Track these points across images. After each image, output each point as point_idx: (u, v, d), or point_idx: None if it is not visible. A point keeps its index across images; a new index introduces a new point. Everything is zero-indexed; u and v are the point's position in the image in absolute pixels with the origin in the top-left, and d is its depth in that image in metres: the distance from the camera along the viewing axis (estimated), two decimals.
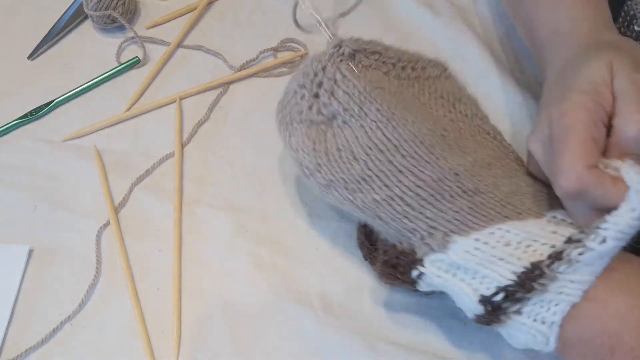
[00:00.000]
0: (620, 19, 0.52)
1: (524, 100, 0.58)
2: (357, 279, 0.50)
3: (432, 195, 0.40)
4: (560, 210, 0.40)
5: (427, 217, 0.40)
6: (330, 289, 0.49)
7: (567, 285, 0.37)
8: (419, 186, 0.40)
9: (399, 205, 0.41)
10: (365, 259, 0.49)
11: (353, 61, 0.45)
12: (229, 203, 0.54)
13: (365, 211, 0.43)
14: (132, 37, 0.64)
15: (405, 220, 0.41)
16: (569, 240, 0.37)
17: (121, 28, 0.65)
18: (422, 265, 0.41)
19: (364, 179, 0.42)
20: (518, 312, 0.38)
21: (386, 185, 0.41)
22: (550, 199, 0.41)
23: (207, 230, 0.53)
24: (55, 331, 0.48)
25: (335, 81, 0.44)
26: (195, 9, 0.66)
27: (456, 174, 0.40)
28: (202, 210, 0.54)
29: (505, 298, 0.38)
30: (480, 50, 0.61)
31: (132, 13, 0.65)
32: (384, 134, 0.41)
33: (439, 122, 0.44)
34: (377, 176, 0.41)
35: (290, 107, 0.46)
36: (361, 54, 0.45)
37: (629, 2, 0.50)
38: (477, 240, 0.39)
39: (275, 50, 0.63)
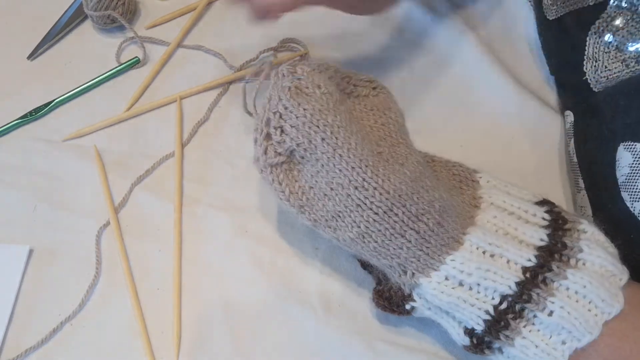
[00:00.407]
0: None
1: (524, 101, 0.58)
2: (357, 279, 0.50)
3: (387, 229, 0.40)
4: (473, 234, 0.40)
5: (393, 255, 0.41)
6: (330, 289, 0.49)
7: (530, 348, 0.38)
8: (375, 220, 0.40)
9: (370, 243, 0.41)
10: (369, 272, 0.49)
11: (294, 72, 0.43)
12: (229, 203, 0.54)
13: (350, 249, 0.43)
14: (132, 37, 0.64)
15: (380, 258, 0.42)
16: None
17: (121, 28, 0.65)
18: (413, 300, 0.42)
19: (338, 216, 0.42)
20: (500, 350, 0.40)
21: (354, 222, 0.41)
22: (460, 211, 0.42)
23: (207, 230, 0.53)
24: (55, 331, 0.48)
25: (281, 115, 0.42)
26: (195, 9, 0.66)
27: (399, 196, 0.40)
28: (202, 210, 0.54)
29: (484, 333, 0.40)
30: (480, 50, 0.61)
31: (132, 13, 0.65)
32: (335, 167, 0.41)
33: (372, 135, 0.44)
34: (345, 212, 0.41)
35: (257, 156, 0.44)
36: (302, 67, 0.44)
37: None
38: (438, 283, 0.40)
39: (275, 50, 0.63)
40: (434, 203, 0.40)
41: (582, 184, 0.51)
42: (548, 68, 0.59)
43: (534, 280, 0.38)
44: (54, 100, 0.60)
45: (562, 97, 0.57)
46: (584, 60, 0.51)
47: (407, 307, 0.43)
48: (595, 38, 0.49)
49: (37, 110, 0.59)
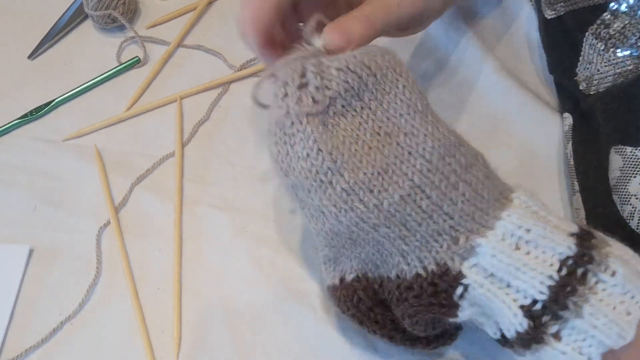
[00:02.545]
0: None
1: (524, 100, 0.58)
2: None
3: (441, 180, 0.36)
4: (520, 193, 0.37)
5: (446, 214, 0.36)
6: None
7: (600, 317, 0.34)
8: (429, 170, 0.36)
9: (423, 200, 0.36)
10: (376, 332, 0.43)
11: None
12: (229, 203, 0.54)
13: (391, 223, 0.37)
14: (132, 37, 0.64)
15: (430, 221, 0.36)
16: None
17: (121, 28, 0.65)
18: (464, 276, 0.36)
19: (385, 172, 0.36)
20: (557, 335, 0.34)
21: (405, 174, 0.36)
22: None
23: (207, 230, 0.53)
24: (55, 331, 0.48)
25: (322, 62, 0.38)
26: (195, 8, 0.66)
27: (449, 144, 0.37)
28: (202, 210, 0.54)
29: (544, 309, 0.34)
30: (481, 50, 0.61)
31: (132, 13, 0.65)
32: (383, 113, 0.37)
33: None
34: (394, 164, 0.36)
35: (285, 110, 0.38)
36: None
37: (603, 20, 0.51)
38: (496, 242, 0.36)
39: None
40: (477, 157, 0.38)
41: (576, 187, 0.51)
42: (548, 68, 0.59)
43: (588, 242, 0.35)
44: (54, 100, 0.60)
45: (561, 99, 0.57)
46: (579, 62, 0.51)
47: (458, 292, 0.37)
48: (592, 40, 0.49)
49: (37, 110, 0.59)
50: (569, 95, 0.55)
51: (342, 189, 0.36)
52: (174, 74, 0.62)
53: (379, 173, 0.36)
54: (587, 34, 0.50)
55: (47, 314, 0.49)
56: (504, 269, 0.35)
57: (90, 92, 0.61)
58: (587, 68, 0.50)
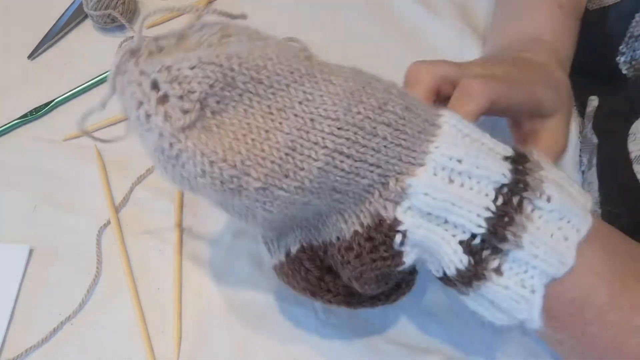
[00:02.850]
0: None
1: None
2: None
3: (357, 134, 0.33)
4: (449, 116, 0.35)
5: (372, 165, 0.34)
6: None
7: (539, 246, 0.33)
8: (339, 128, 0.33)
9: (344, 162, 0.33)
10: (317, 296, 0.41)
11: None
12: None
13: (320, 194, 0.34)
14: (132, 37, 0.64)
15: (358, 178, 0.34)
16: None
17: (121, 27, 0.64)
18: (400, 222, 0.34)
19: (294, 149, 0.33)
20: (498, 270, 0.33)
21: (315, 143, 0.33)
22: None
23: (207, 230, 0.53)
24: (55, 331, 0.48)
25: (170, 67, 0.32)
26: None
27: (351, 94, 0.33)
28: (202, 210, 0.54)
29: (484, 243, 0.33)
30: (481, 50, 0.61)
31: (132, 12, 0.65)
32: (267, 91, 0.33)
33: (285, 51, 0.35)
34: (300, 137, 0.33)
35: (158, 133, 0.32)
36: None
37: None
38: (428, 179, 0.33)
39: None
40: (390, 89, 0.35)
41: (594, 161, 0.51)
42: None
43: (522, 166, 0.34)
44: (54, 100, 0.60)
45: (586, 84, 0.57)
46: (621, 48, 0.52)
47: (397, 240, 0.35)
48: (637, 25, 0.50)
49: (37, 110, 0.59)
50: (599, 80, 0.55)
51: (256, 188, 0.33)
52: None
53: (287, 154, 0.33)
54: (634, 20, 0.50)
55: (47, 314, 0.49)
56: (440, 205, 0.33)
57: (90, 92, 0.61)
58: (631, 56, 0.51)
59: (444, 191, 0.33)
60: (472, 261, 0.33)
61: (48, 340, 0.48)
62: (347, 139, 0.33)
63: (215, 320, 0.48)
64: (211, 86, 0.32)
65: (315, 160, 0.33)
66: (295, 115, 0.33)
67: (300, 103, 0.33)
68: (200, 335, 0.48)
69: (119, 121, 0.59)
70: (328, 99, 0.33)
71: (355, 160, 0.33)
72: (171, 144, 0.32)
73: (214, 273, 0.51)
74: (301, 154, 0.33)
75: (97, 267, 0.51)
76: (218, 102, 0.33)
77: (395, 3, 0.66)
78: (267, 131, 0.33)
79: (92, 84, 0.61)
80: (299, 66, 0.34)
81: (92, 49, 0.64)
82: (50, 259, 0.51)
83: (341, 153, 0.33)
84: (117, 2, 0.63)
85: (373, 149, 0.34)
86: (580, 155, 0.55)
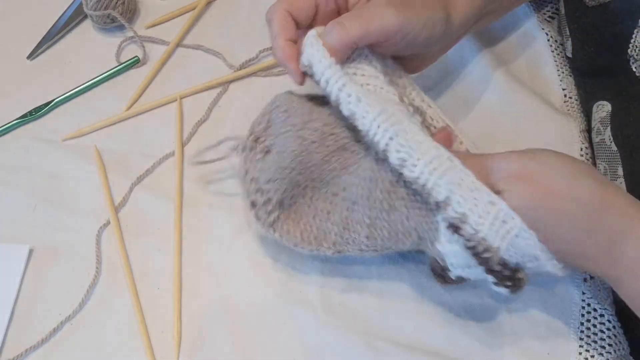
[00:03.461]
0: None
1: (523, 101, 0.58)
2: (358, 278, 0.50)
3: (381, 210, 0.43)
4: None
5: (404, 231, 0.43)
6: (330, 289, 0.49)
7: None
8: (370, 208, 0.43)
9: (382, 230, 0.43)
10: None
11: None
12: (229, 203, 0.54)
13: (378, 241, 0.45)
14: (132, 37, 0.64)
15: (399, 243, 0.44)
16: None
17: (121, 27, 0.64)
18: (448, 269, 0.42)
19: (347, 223, 0.45)
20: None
21: (361, 219, 0.44)
22: None
23: (207, 230, 0.53)
24: (55, 331, 0.48)
25: (254, 179, 0.46)
26: (194, 8, 0.66)
27: (364, 178, 0.44)
28: (202, 210, 0.54)
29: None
30: (481, 51, 0.61)
31: (131, 12, 0.65)
32: (321, 182, 0.46)
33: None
34: (349, 215, 0.45)
35: (256, 225, 0.47)
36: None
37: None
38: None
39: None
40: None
41: (620, 172, 0.50)
42: (574, 59, 0.58)
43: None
44: (53, 100, 0.60)
45: (595, 88, 0.56)
46: (630, 47, 0.50)
47: (451, 275, 0.43)
48: None
49: (37, 110, 0.59)
50: (611, 81, 0.54)
51: (331, 253, 0.46)
52: (174, 73, 0.62)
53: (344, 228, 0.45)
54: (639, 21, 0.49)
55: (47, 314, 0.49)
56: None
57: (89, 92, 0.61)
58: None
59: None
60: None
61: (48, 340, 0.48)
62: (376, 216, 0.43)
63: (215, 320, 0.48)
64: (284, 192, 0.45)
65: (362, 231, 0.44)
66: (343, 199, 0.45)
67: (343, 190, 0.45)
68: (200, 335, 0.48)
69: (118, 121, 0.59)
70: (358, 189, 0.44)
71: (391, 229, 0.43)
72: (267, 235, 0.47)
73: (213, 273, 0.51)
74: (353, 228, 0.45)
75: (97, 267, 0.51)
76: (291, 198, 0.46)
77: None
78: (328, 212, 0.45)
79: (91, 84, 0.61)
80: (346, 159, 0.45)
81: (92, 49, 0.64)
82: (50, 259, 0.51)
83: (377, 227, 0.43)
84: (117, 2, 0.63)
85: (397, 219, 0.42)
86: (588, 158, 0.55)
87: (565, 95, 0.59)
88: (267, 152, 0.46)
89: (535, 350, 0.47)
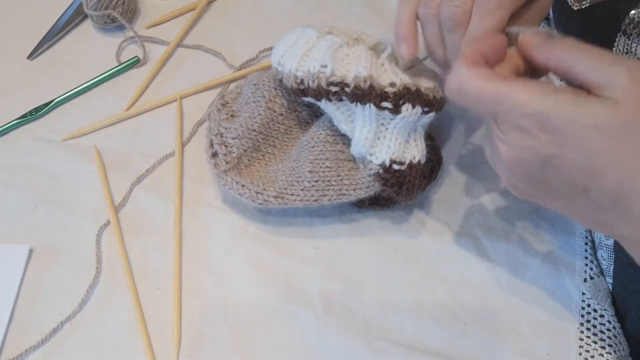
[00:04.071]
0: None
1: None
2: (357, 278, 0.50)
3: (326, 143, 0.51)
4: None
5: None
6: (330, 289, 0.49)
7: None
8: (312, 146, 0.51)
9: (324, 155, 0.50)
10: None
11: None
12: (229, 203, 0.54)
13: (325, 177, 0.50)
14: (132, 37, 0.64)
15: (341, 166, 0.51)
16: None
17: (121, 28, 0.65)
18: None
19: (293, 172, 0.51)
20: None
21: (302, 163, 0.51)
22: None
23: (207, 230, 0.53)
24: (55, 331, 0.48)
25: (222, 134, 0.52)
26: (195, 8, 0.66)
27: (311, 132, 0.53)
28: (202, 210, 0.54)
29: None
30: None
31: (131, 12, 0.65)
32: (276, 146, 0.55)
33: None
34: (295, 169, 0.51)
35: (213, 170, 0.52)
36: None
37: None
38: None
39: None
40: None
41: None
42: None
43: None
44: (53, 100, 0.60)
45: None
46: (613, 51, 0.49)
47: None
48: (631, 29, 0.48)
49: (37, 110, 0.59)
50: None
51: (274, 196, 0.50)
52: (174, 73, 0.62)
53: (290, 173, 0.50)
54: (623, 23, 0.49)
55: (47, 314, 0.49)
56: None
57: (89, 92, 0.61)
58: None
59: None
60: None
61: (48, 340, 0.48)
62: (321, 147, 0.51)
63: (215, 320, 0.48)
64: (245, 150, 0.52)
65: (306, 167, 0.50)
66: (293, 157, 0.51)
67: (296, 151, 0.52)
68: (200, 335, 0.48)
69: (118, 121, 0.59)
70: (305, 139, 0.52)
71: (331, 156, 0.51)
72: (219, 180, 0.52)
73: (213, 273, 0.51)
74: (298, 170, 0.50)
75: (97, 267, 0.51)
76: (249, 160, 0.52)
77: (395, 3, 0.66)
78: (278, 169, 0.52)
79: (91, 84, 0.61)
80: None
81: (92, 49, 0.64)
82: (50, 259, 0.51)
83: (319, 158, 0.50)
84: (117, 2, 0.63)
85: (340, 149, 0.51)
86: None
87: None
88: (232, 115, 0.53)
89: (535, 350, 0.47)
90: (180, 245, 0.52)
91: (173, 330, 0.48)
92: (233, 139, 0.51)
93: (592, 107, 0.33)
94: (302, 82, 0.47)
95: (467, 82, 0.36)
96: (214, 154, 0.52)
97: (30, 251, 0.52)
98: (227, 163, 0.51)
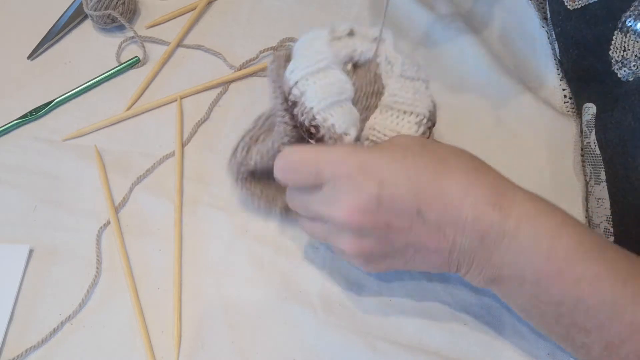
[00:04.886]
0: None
1: (524, 100, 0.58)
2: (357, 279, 0.50)
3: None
4: None
5: None
6: (330, 289, 0.49)
7: None
8: None
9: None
10: None
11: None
12: (229, 203, 0.54)
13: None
14: (132, 37, 0.64)
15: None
16: None
17: (121, 28, 0.65)
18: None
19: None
20: None
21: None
22: None
23: (207, 230, 0.53)
24: (55, 331, 0.48)
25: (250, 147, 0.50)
26: (195, 8, 0.66)
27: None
28: (202, 210, 0.54)
29: None
30: (480, 50, 0.61)
31: (132, 12, 0.65)
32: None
33: None
34: None
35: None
36: None
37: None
38: None
39: (275, 49, 0.63)
40: None
41: (603, 176, 0.50)
42: (561, 62, 0.58)
43: None
44: (54, 100, 0.60)
45: (581, 90, 0.56)
46: (610, 49, 0.50)
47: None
48: (627, 27, 0.48)
49: (37, 110, 0.59)
50: (595, 84, 0.54)
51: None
52: (174, 73, 0.62)
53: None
54: (620, 21, 0.49)
55: (47, 314, 0.49)
56: None
57: (90, 92, 0.61)
58: (622, 55, 0.49)
59: None
60: None
61: (48, 340, 0.48)
62: None
63: (215, 320, 0.48)
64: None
65: None
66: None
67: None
68: (200, 335, 0.48)
69: (118, 121, 0.59)
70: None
71: None
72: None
73: (213, 273, 0.51)
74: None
75: (97, 267, 0.51)
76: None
77: (396, 2, 0.66)
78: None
79: (92, 84, 0.61)
80: None
81: (92, 49, 0.64)
82: (50, 259, 0.51)
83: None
84: (117, 2, 0.63)
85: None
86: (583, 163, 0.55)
87: (565, 96, 0.59)
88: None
89: (535, 350, 0.47)
90: (180, 245, 0.52)
91: (173, 330, 0.48)
92: (256, 153, 0.49)
93: (393, 142, 0.42)
94: (317, 129, 0.45)
95: (290, 154, 0.42)
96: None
97: (30, 251, 0.52)
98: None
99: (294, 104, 0.45)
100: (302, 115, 0.45)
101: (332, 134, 0.44)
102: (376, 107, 0.46)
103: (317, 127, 0.44)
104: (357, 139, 0.45)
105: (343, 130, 0.44)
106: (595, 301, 0.37)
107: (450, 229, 0.39)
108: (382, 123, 0.45)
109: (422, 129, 0.45)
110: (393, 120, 0.45)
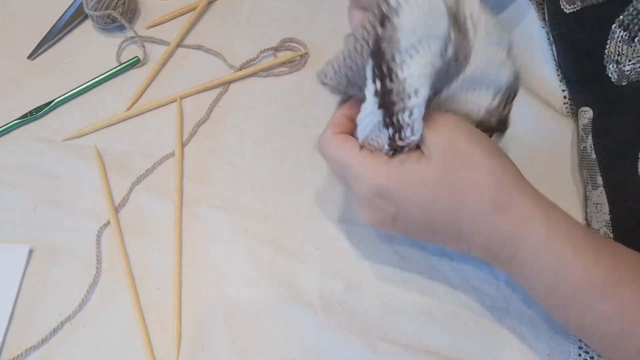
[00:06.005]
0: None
1: (523, 100, 0.58)
2: (357, 278, 0.50)
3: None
4: None
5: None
6: (330, 289, 0.49)
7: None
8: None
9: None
10: None
11: None
12: (229, 203, 0.54)
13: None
14: (132, 37, 0.64)
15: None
16: None
17: (121, 28, 0.65)
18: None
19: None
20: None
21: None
22: None
23: (207, 230, 0.53)
24: (55, 331, 0.48)
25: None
26: (195, 8, 0.66)
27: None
28: (202, 210, 0.54)
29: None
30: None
31: (132, 13, 0.65)
32: None
33: None
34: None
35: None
36: None
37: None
38: None
39: (276, 49, 0.63)
40: None
41: (600, 181, 0.50)
42: (559, 65, 0.58)
43: None
44: (54, 100, 0.60)
45: (578, 94, 0.56)
46: (605, 53, 0.50)
47: None
48: (620, 31, 0.49)
49: (37, 110, 0.59)
50: (591, 88, 0.54)
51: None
52: (174, 74, 0.63)
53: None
54: (614, 26, 0.49)
55: (47, 314, 0.49)
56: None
57: (90, 92, 0.61)
58: (617, 60, 0.49)
59: None
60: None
61: (48, 340, 0.48)
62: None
63: (215, 320, 0.48)
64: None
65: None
66: None
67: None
68: (200, 335, 0.48)
69: (118, 121, 0.59)
70: None
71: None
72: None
73: (213, 273, 0.51)
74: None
75: (97, 267, 0.51)
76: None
77: None
78: None
79: (92, 84, 0.61)
80: None
81: (92, 49, 0.64)
82: (50, 259, 0.51)
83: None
84: (117, 2, 0.63)
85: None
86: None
87: (565, 97, 0.59)
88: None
89: (535, 350, 0.47)
90: (180, 245, 0.52)
91: (173, 330, 0.48)
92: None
93: (411, 167, 0.40)
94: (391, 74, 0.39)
95: (327, 147, 0.43)
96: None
97: (30, 251, 0.52)
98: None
99: (386, 18, 0.38)
100: (390, 44, 0.39)
101: (399, 91, 0.39)
102: (458, 74, 0.42)
103: (390, 71, 0.39)
104: (427, 100, 0.39)
105: (414, 88, 0.38)
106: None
107: (463, 245, 0.42)
108: (457, 96, 0.42)
109: (497, 101, 0.43)
110: (472, 94, 0.43)
